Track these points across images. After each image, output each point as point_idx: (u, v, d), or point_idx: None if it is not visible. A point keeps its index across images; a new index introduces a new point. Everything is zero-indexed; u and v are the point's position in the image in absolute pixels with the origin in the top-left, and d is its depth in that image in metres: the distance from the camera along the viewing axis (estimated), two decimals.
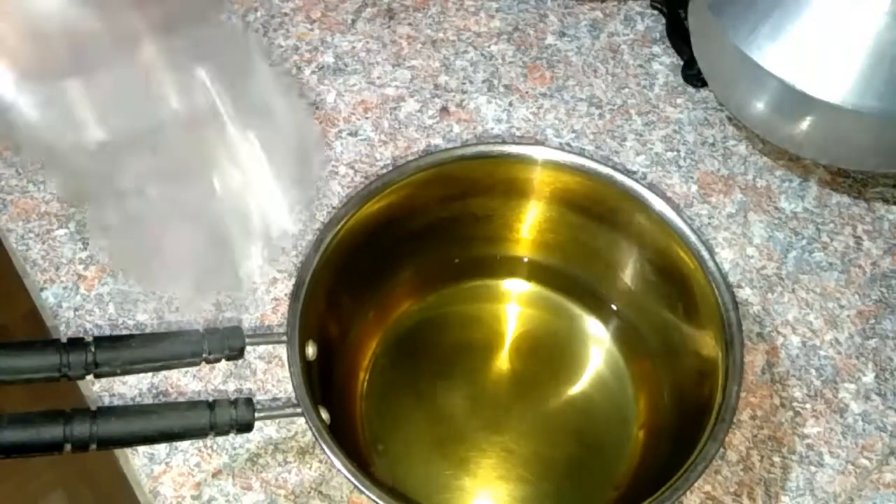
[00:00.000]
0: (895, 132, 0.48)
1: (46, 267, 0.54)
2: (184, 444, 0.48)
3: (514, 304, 0.56)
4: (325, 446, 0.41)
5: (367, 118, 0.62)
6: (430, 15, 0.68)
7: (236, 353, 0.43)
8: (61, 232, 0.56)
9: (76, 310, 0.53)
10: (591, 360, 0.53)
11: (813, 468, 0.49)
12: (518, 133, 0.62)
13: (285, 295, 0.53)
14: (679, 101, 0.63)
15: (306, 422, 0.41)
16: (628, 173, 0.51)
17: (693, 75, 0.63)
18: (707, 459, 0.41)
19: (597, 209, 0.52)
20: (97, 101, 0.29)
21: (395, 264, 0.53)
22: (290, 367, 0.43)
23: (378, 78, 0.64)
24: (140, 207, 0.33)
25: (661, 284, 0.51)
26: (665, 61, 0.66)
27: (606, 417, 0.51)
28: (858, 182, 0.60)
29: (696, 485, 0.44)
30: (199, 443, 0.48)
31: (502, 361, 0.53)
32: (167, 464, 0.47)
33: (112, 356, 0.41)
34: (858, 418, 0.51)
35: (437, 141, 0.61)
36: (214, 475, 0.47)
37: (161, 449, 0.48)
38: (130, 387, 0.50)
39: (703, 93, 0.64)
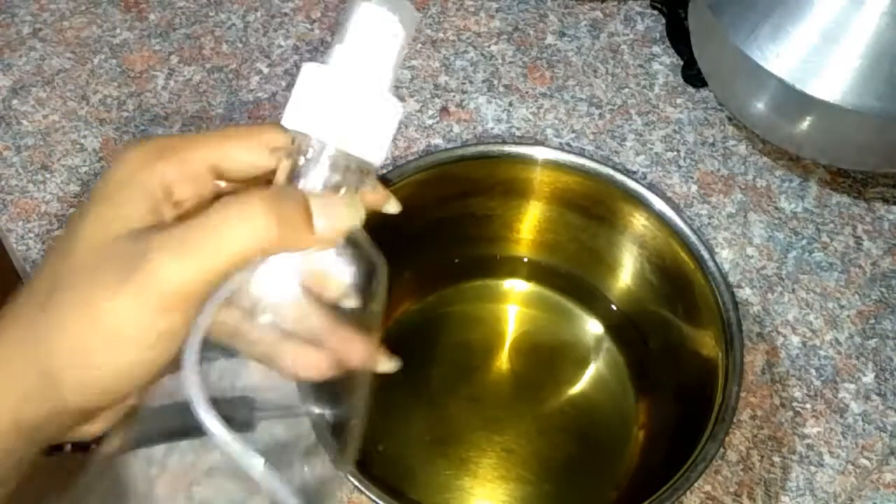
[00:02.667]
0: (895, 132, 0.48)
1: None
2: (182, 444, 0.48)
3: (514, 304, 0.56)
4: (325, 446, 0.41)
5: None
6: (430, 15, 0.68)
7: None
8: (61, 232, 0.56)
9: None
10: (591, 361, 0.53)
11: (813, 468, 0.49)
12: (518, 133, 0.62)
13: None
14: (679, 101, 0.63)
15: None
16: (628, 173, 0.51)
17: (693, 75, 0.63)
18: (707, 459, 0.41)
19: (597, 209, 0.52)
20: None
21: (395, 264, 0.53)
22: None
23: None
24: None
25: (661, 284, 0.51)
26: (665, 61, 0.66)
27: (606, 417, 0.51)
28: (858, 182, 0.60)
29: (696, 485, 0.44)
30: (198, 442, 0.48)
31: (502, 361, 0.53)
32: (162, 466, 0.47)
33: None
34: (858, 418, 0.51)
35: (437, 141, 0.61)
36: None
37: (159, 448, 0.47)
38: None
39: (703, 93, 0.64)
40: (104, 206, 0.27)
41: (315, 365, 0.30)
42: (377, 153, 0.29)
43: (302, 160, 0.28)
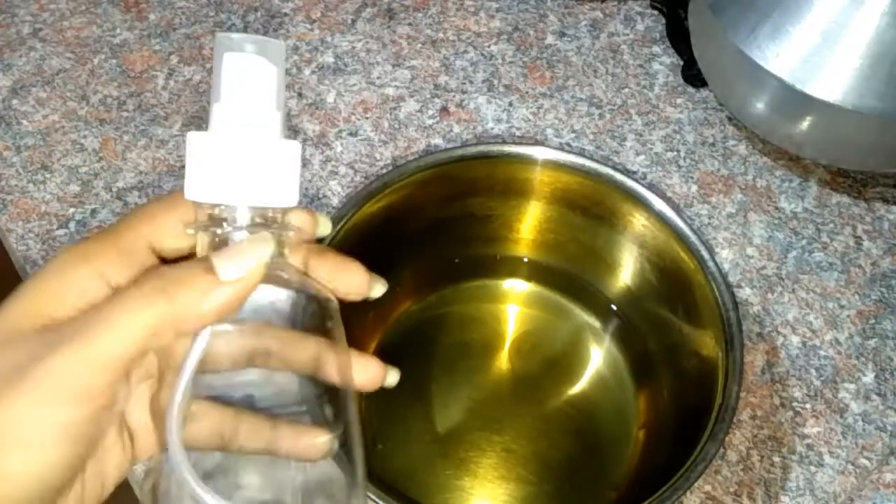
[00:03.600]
0: (895, 132, 0.48)
1: None
2: None
3: (514, 304, 0.56)
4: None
5: (367, 118, 0.62)
6: (430, 15, 0.68)
7: None
8: (61, 232, 0.56)
9: None
10: (591, 360, 0.53)
11: (813, 468, 0.49)
12: (518, 133, 0.62)
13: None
14: (679, 101, 0.63)
15: None
16: (628, 173, 0.51)
17: (693, 75, 0.63)
18: (707, 459, 0.41)
19: (597, 209, 0.52)
20: None
21: (395, 264, 0.53)
22: None
23: (378, 78, 0.64)
24: None
25: (661, 284, 0.51)
26: (665, 61, 0.66)
27: (606, 417, 0.51)
28: (858, 182, 0.60)
29: (696, 485, 0.44)
30: None
31: (502, 361, 0.53)
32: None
33: None
34: (858, 418, 0.51)
35: (437, 141, 0.61)
36: None
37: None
38: None
39: (703, 93, 0.64)
40: (14, 304, 0.26)
41: (320, 444, 0.30)
42: (289, 196, 0.28)
43: (220, 229, 0.27)
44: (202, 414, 0.28)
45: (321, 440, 0.30)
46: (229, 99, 0.27)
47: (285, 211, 0.29)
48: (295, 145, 0.28)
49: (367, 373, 0.33)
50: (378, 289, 0.34)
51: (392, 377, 0.34)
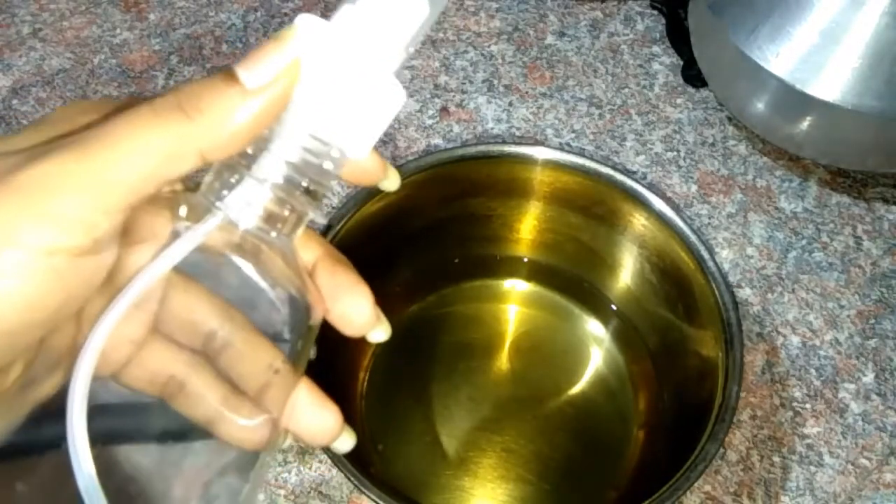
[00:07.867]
0: (895, 132, 0.48)
1: None
2: (196, 445, 0.48)
3: (514, 304, 0.56)
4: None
5: None
6: None
7: None
8: None
9: None
10: (591, 360, 0.53)
11: (813, 468, 0.49)
12: (518, 133, 0.62)
13: None
14: (679, 101, 0.63)
15: None
16: (628, 173, 0.51)
17: (693, 75, 0.63)
18: (707, 459, 0.41)
19: (597, 209, 0.52)
20: None
21: (395, 264, 0.53)
22: None
23: None
24: None
25: (661, 284, 0.51)
26: (665, 61, 0.66)
27: (606, 417, 0.51)
28: (858, 182, 0.60)
29: (696, 485, 0.44)
30: (214, 443, 0.48)
31: (502, 361, 0.53)
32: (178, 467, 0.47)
33: None
34: (858, 418, 0.51)
35: (437, 141, 0.61)
36: None
37: (174, 449, 0.47)
38: None
39: (703, 93, 0.64)
40: (7, 136, 0.21)
41: (258, 437, 0.26)
42: (361, 147, 0.23)
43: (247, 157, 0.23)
44: (154, 348, 0.24)
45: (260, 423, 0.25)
46: (365, 6, 0.23)
47: (334, 169, 0.23)
48: (401, 93, 0.23)
49: (320, 421, 0.27)
50: (380, 334, 0.29)
51: (346, 441, 0.28)
